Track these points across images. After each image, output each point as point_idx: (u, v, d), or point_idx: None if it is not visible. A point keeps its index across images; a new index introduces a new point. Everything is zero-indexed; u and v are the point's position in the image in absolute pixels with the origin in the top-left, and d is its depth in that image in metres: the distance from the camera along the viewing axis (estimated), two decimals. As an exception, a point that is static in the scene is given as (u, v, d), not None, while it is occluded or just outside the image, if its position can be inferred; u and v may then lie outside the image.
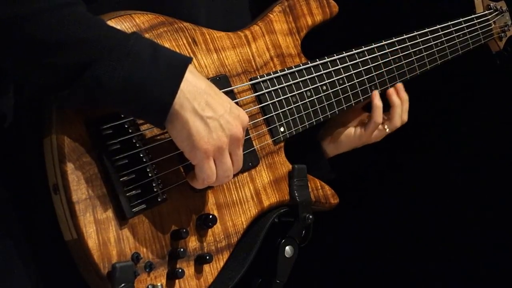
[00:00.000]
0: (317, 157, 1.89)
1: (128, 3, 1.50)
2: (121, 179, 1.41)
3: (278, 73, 1.69)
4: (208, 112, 1.38)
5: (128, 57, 1.32)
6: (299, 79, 1.72)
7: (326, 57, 1.78)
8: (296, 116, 1.71)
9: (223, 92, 1.48)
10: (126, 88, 1.32)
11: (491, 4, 2.23)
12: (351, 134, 1.88)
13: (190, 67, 1.38)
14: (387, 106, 1.88)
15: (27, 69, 1.33)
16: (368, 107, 1.89)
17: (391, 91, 1.88)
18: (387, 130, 1.88)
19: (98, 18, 1.36)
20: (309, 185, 1.72)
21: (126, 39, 1.34)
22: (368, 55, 1.85)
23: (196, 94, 1.37)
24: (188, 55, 1.54)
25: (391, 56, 1.90)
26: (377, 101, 1.85)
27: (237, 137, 1.43)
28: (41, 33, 1.29)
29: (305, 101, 1.73)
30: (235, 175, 1.58)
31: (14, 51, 1.31)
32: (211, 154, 1.40)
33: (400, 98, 1.88)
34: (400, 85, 1.90)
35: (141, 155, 1.44)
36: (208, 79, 1.53)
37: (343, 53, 1.81)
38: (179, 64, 1.37)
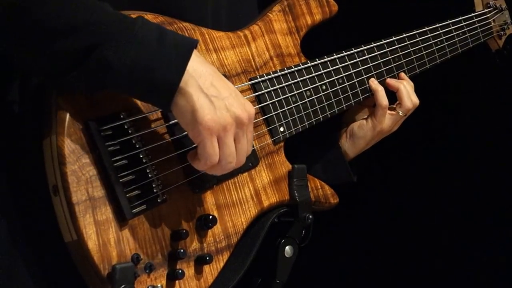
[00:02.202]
0: (338, 160, 1.85)
1: (136, 2, 1.50)
2: (121, 180, 1.41)
3: (277, 73, 1.69)
4: (213, 92, 1.38)
5: (135, 39, 1.34)
6: (298, 79, 1.72)
7: (325, 57, 1.78)
8: (296, 116, 1.71)
9: None
10: (134, 70, 1.33)
11: (491, 2, 2.22)
12: (364, 125, 1.84)
13: (196, 51, 1.39)
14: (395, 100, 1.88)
15: (34, 54, 1.33)
16: None
17: (389, 80, 1.86)
18: (400, 113, 1.84)
19: (103, 3, 1.37)
20: (309, 185, 1.72)
21: (133, 22, 1.36)
22: (368, 54, 1.85)
23: (201, 73, 1.38)
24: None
25: (391, 55, 1.89)
26: (375, 86, 1.83)
27: (242, 121, 1.41)
28: (48, 17, 1.30)
29: (304, 101, 1.72)
30: (235, 175, 1.59)
31: (21, 36, 1.31)
32: (215, 132, 1.38)
33: (401, 82, 1.86)
34: (401, 74, 1.89)
35: (141, 156, 1.44)
36: None
37: (343, 52, 1.81)
38: (185, 46, 1.38)
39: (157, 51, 1.35)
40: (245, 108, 1.42)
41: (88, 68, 1.32)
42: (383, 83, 1.86)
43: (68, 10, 1.31)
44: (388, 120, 1.84)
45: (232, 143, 1.42)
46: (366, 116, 1.86)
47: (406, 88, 1.85)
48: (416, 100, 1.87)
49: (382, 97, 1.82)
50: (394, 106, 1.85)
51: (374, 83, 1.83)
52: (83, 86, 1.36)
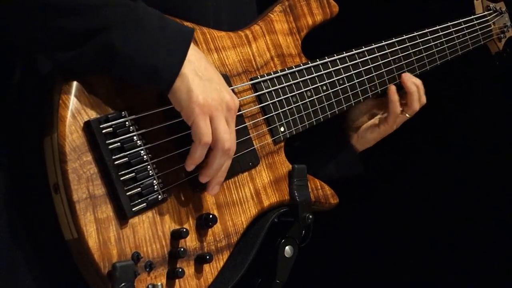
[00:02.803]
0: (349, 154, 1.92)
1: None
2: (121, 178, 1.41)
3: (278, 73, 1.69)
4: (207, 75, 1.45)
5: (139, 24, 1.38)
6: (299, 79, 1.72)
7: (326, 57, 1.78)
8: (296, 116, 1.71)
9: None
10: (138, 54, 1.37)
11: (491, 5, 2.23)
12: (376, 130, 1.91)
13: None
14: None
15: (38, 33, 1.36)
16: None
17: (407, 77, 1.88)
18: (407, 115, 1.90)
19: None
20: (309, 185, 1.72)
21: (136, 7, 1.40)
22: (368, 55, 1.85)
23: (196, 58, 1.44)
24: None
25: (391, 57, 1.90)
26: (394, 96, 1.87)
27: (230, 106, 1.47)
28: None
29: (305, 101, 1.73)
30: (235, 174, 1.59)
31: (23, 11, 1.34)
32: (207, 111, 1.43)
33: (415, 84, 1.89)
34: (409, 74, 1.91)
35: (142, 154, 1.44)
36: None
37: (343, 53, 1.81)
38: (186, 34, 1.45)
39: (159, 36, 1.40)
40: (233, 98, 1.49)
41: (92, 48, 1.34)
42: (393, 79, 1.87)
43: None
44: (397, 122, 1.89)
45: (224, 123, 1.46)
46: (375, 119, 1.91)
47: (419, 92, 1.88)
48: (424, 100, 1.91)
49: (397, 107, 1.87)
50: (401, 107, 1.87)
51: (392, 92, 1.86)
52: (82, 67, 1.38)
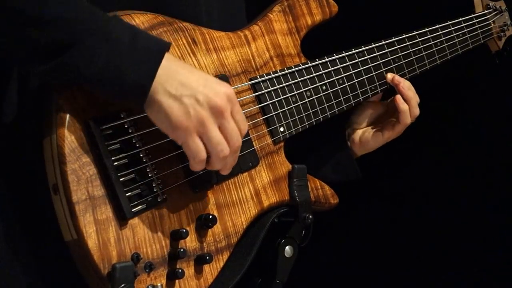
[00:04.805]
0: (347, 159, 1.89)
1: (129, 2, 1.50)
2: (121, 179, 1.41)
3: (277, 73, 1.69)
4: (182, 91, 1.38)
5: (107, 42, 1.33)
6: (298, 79, 1.72)
7: (325, 57, 1.78)
8: (296, 116, 1.71)
9: None
10: (104, 73, 1.33)
11: (491, 4, 2.23)
12: (380, 137, 1.88)
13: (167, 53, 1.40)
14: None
15: (7, 43, 1.33)
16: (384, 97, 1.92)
17: (398, 98, 1.85)
18: (410, 121, 1.88)
19: None
20: (309, 185, 1.72)
21: (106, 22, 1.35)
22: (368, 55, 1.85)
23: (168, 76, 1.37)
24: (187, 55, 1.56)
25: (391, 56, 1.89)
26: (403, 105, 1.84)
27: (218, 108, 1.40)
28: (24, 8, 1.29)
29: (304, 101, 1.73)
30: (235, 175, 1.59)
31: None
32: (193, 131, 1.39)
33: (406, 101, 1.86)
34: (404, 86, 1.87)
35: (141, 155, 1.44)
36: None
37: (343, 53, 1.81)
38: (157, 50, 1.38)
39: (129, 54, 1.34)
40: (219, 95, 1.41)
41: (58, 66, 1.31)
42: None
43: (45, 2, 1.30)
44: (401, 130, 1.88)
45: (216, 134, 1.41)
46: (379, 125, 1.89)
47: (415, 96, 1.87)
48: (417, 112, 1.89)
49: (408, 118, 1.85)
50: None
51: (401, 102, 1.84)
52: (55, 80, 1.36)
